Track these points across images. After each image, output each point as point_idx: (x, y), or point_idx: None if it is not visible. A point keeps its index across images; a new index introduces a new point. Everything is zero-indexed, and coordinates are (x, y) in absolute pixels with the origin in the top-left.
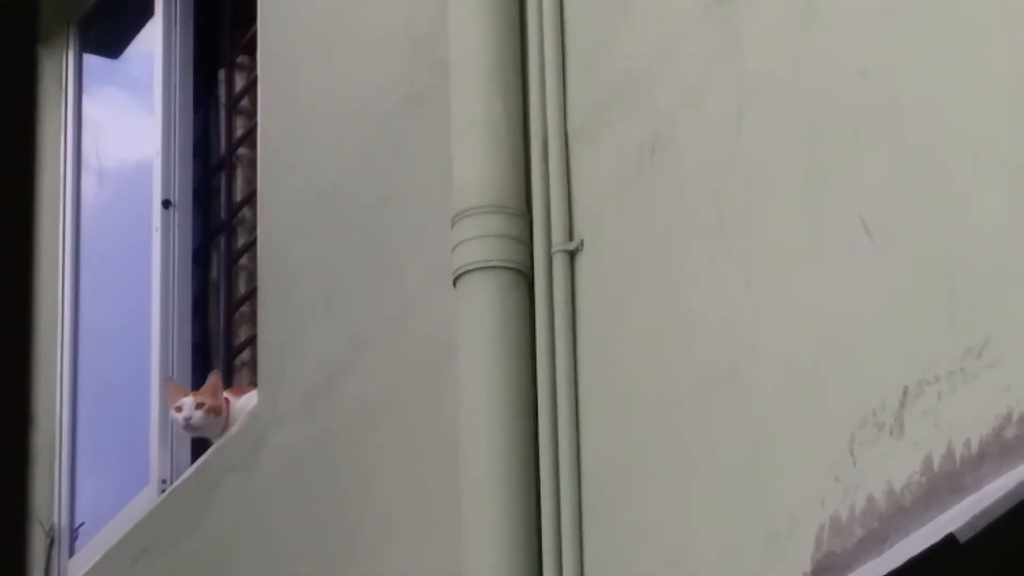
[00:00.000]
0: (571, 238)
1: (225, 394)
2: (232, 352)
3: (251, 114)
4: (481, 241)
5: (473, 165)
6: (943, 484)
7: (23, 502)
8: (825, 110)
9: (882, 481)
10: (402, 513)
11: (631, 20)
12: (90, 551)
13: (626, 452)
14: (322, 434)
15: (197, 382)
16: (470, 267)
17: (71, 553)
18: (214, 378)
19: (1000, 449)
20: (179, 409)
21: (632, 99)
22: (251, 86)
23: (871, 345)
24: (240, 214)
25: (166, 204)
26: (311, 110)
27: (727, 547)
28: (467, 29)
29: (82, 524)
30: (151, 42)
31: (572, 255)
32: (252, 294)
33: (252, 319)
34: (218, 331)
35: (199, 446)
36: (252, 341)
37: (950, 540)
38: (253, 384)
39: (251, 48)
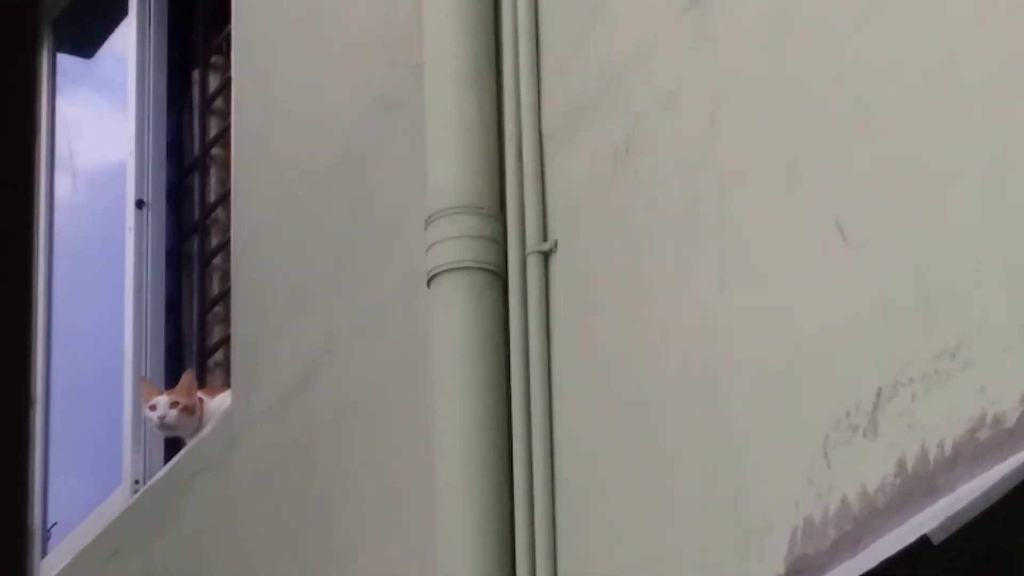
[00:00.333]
0: (545, 239)
1: (199, 394)
2: (206, 353)
3: (225, 115)
4: (455, 242)
5: (448, 166)
6: (917, 486)
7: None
8: (800, 112)
9: (856, 483)
10: (376, 513)
11: (606, 22)
12: (62, 551)
13: (599, 453)
14: (296, 434)
15: (171, 383)
16: (444, 268)
17: (43, 553)
18: (188, 377)
19: (974, 451)
20: (153, 408)
21: (607, 101)
22: (225, 86)
23: (845, 347)
24: (214, 215)
25: (139, 204)
26: (285, 111)
27: (700, 549)
28: (442, 31)
29: (55, 524)
30: (125, 42)
31: (546, 256)
32: (226, 295)
33: (226, 320)
34: (191, 332)
35: (172, 446)
36: (226, 342)
37: (924, 542)
38: (227, 384)
39: (225, 48)
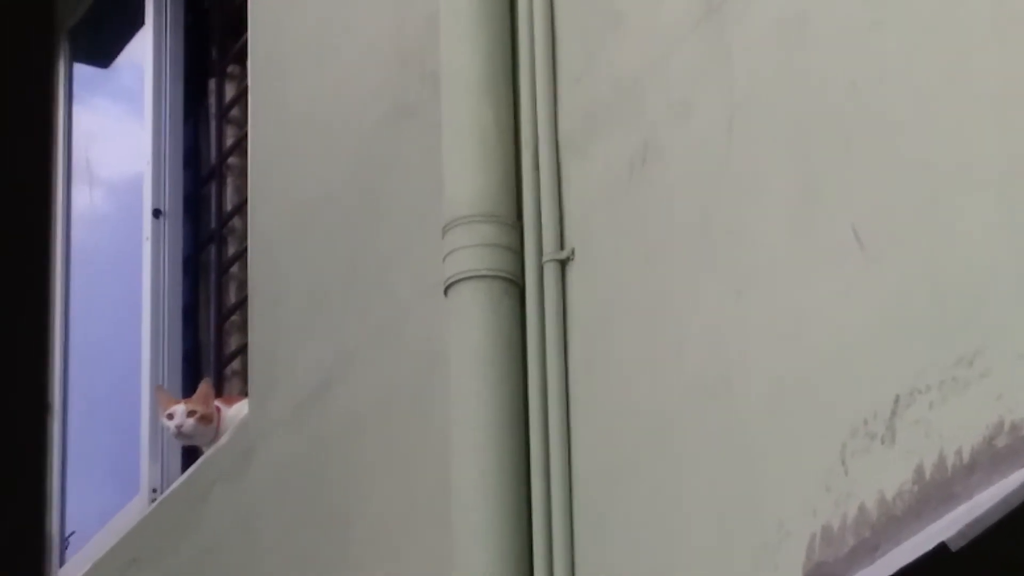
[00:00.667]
0: (562, 247)
1: (216, 403)
2: (223, 361)
3: (241, 123)
4: (472, 250)
5: (464, 174)
6: (935, 493)
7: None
8: (815, 121)
9: (874, 490)
10: (392, 522)
11: (622, 32)
12: (80, 560)
13: (617, 462)
14: (313, 443)
15: (188, 392)
16: (461, 276)
17: (61, 562)
18: (205, 386)
19: (991, 458)
20: (170, 416)
21: (622, 110)
22: (241, 95)
23: (862, 354)
24: (231, 223)
25: (157, 213)
26: (302, 120)
27: (718, 557)
28: (458, 39)
29: (72, 533)
30: (142, 52)
31: (563, 264)
32: (243, 303)
33: (243, 328)
34: (208, 341)
35: (189, 455)
36: (243, 350)
37: (942, 549)
38: (244, 393)
39: (242, 57)
